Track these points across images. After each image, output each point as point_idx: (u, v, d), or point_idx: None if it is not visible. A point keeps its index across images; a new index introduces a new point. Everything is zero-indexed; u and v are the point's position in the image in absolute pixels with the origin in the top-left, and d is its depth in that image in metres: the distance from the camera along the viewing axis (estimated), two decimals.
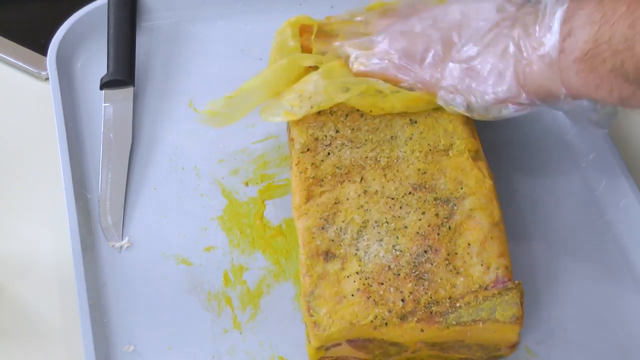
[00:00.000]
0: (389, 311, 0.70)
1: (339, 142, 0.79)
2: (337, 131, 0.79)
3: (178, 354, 0.75)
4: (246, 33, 0.97)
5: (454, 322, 0.70)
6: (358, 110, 0.80)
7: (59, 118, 0.86)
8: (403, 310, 0.70)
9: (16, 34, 0.97)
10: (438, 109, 0.79)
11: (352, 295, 0.71)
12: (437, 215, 0.74)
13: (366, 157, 0.78)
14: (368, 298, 0.70)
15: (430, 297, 0.70)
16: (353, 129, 0.79)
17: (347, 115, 0.80)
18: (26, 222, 0.84)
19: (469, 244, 0.73)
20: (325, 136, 0.79)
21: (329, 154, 0.78)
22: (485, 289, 0.71)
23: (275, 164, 0.86)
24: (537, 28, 0.72)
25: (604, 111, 0.76)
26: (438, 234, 0.73)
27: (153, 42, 0.95)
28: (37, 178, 0.87)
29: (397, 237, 0.73)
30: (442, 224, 0.74)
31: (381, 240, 0.73)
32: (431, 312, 0.70)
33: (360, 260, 0.72)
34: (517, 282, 0.71)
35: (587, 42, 0.68)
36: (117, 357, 0.75)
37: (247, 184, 0.85)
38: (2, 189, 0.86)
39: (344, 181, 0.77)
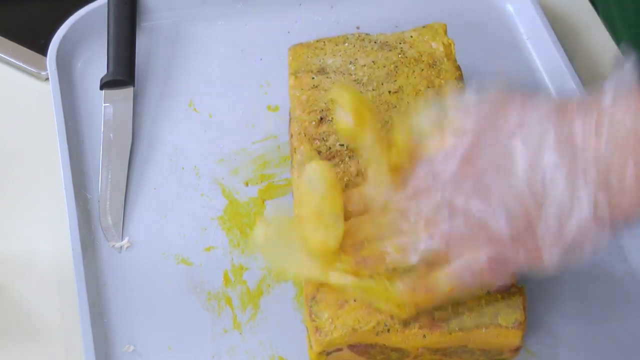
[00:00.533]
0: (392, 317, 0.69)
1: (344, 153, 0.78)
2: (342, 145, 0.78)
3: (178, 354, 0.75)
4: (246, 33, 0.96)
5: (457, 328, 0.69)
6: None
7: (59, 118, 0.86)
8: None
9: (16, 34, 0.96)
10: None
11: (354, 300, 0.70)
12: None
13: None
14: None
15: None
16: None
17: None
18: (26, 222, 0.84)
19: None
20: (329, 148, 0.78)
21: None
22: (488, 293, 0.70)
23: (275, 164, 0.86)
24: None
25: None
26: None
27: (153, 42, 0.95)
28: (37, 178, 0.87)
29: None
30: None
31: None
32: (433, 318, 0.69)
33: None
34: (520, 286, 0.71)
35: None
36: (117, 357, 0.75)
37: (247, 184, 0.85)
38: (2, 189, 0.86)
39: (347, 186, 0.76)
